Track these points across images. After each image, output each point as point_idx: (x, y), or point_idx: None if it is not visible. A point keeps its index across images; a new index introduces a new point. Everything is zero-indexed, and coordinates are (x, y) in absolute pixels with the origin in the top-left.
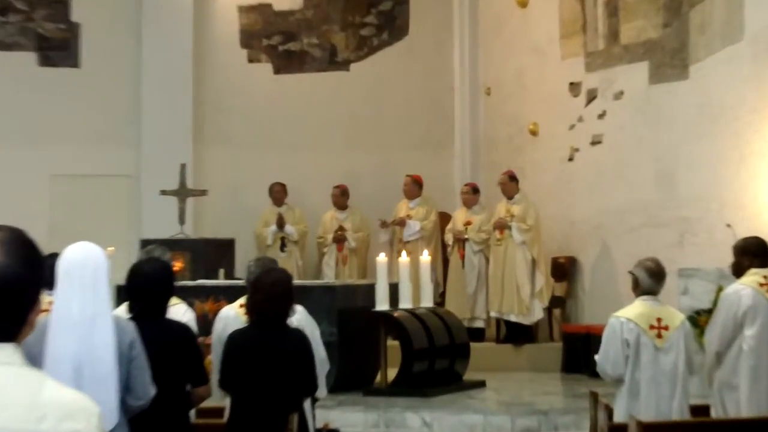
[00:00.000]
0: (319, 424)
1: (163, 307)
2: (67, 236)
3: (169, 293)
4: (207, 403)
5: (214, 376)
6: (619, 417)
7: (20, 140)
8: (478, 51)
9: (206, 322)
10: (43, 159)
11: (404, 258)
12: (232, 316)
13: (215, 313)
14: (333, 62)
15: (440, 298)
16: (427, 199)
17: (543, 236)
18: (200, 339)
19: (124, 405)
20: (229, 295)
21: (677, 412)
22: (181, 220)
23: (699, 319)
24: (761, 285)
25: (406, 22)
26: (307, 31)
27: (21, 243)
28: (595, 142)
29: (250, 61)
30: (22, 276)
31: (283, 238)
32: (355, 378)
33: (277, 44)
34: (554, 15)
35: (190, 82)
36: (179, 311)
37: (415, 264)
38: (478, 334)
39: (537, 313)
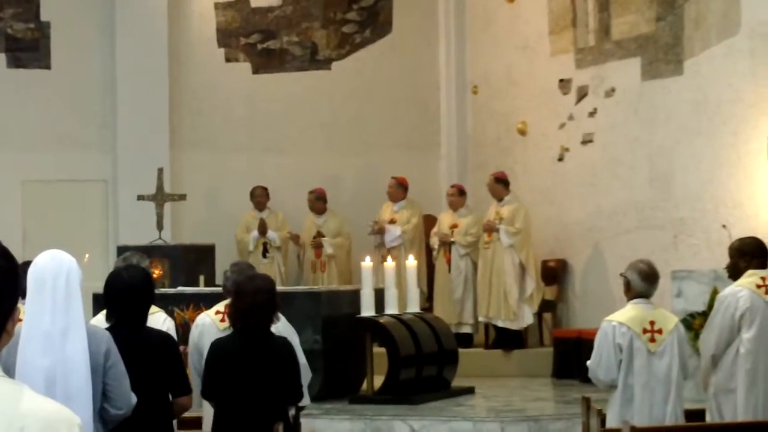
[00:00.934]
0: None
1: (143, 315)
2: (41, 244)
3: (149, 301)
4: (185, 413)
5: (193, 385)
6: (612, 423)
7: None
8: (465, 47)
9: (186, 331)
10: (14, 164)
11: (389, 263)
12: (208, 323)
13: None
14: (314, 61)
15: (427, 303)
16: (412, 202)
17: (534, 239)
18: (181, 348)
19: (104, 415)
20: (210, 302)
21: (671, 417)
22: (159, 225)
23: (693, 322)
24: (758, 287)
25: (390, 18)
26: (287, 29)
27: None
28: (587, 141)
29: (228, 60)
30: None
31: (265, 244)
32: (340, 386)
33: (256, 42)
34: (543, 10)
35: (166, 83)
36: (159, 320)
37: (400, 269)
38: (466, 340)
39: (527, 318)
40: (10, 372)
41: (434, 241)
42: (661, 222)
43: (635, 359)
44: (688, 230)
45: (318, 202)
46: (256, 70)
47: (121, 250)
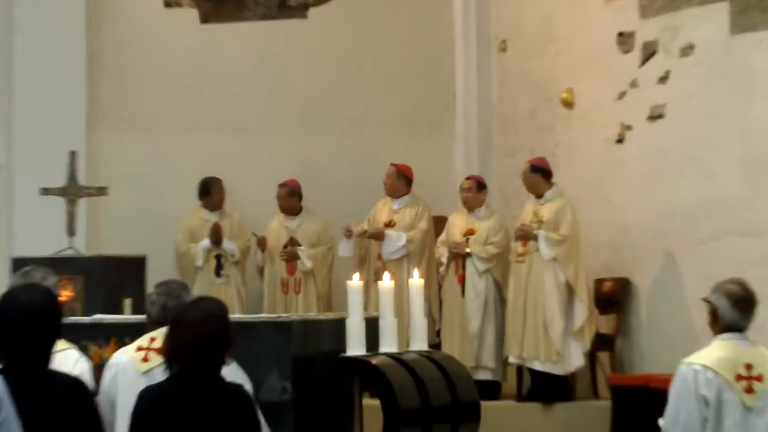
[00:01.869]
0: None
1: (46, 353)
2: None
3: (55, 334)
4: None
5: None
6: None
7: None
8: None
9: None
10: None
11: (386, 281)
12: (124, 363)
13: None
14: (284, 7)
15: (437, 337)
16: (417, 198)
17: (585, 250)
18: (97, 398)
19: None
20: (139, 335)
21: None
22: (71, 230)
23: None
24: None
25: None
26: None
27: None
28: (655, 116)
29: (168, 5)
30: None
31: (219, 258)
32: None
33: None
34: None
35: (82, 38)
36: (68, 360)
37: (402, 290)
38: (491, 389)
39: (574, 360)
40: None
41: (441, 253)
42: (757, 225)
43: (726, 416)
44: None
45: (291, 198)
46: (205, 19)
47: (18, 262)
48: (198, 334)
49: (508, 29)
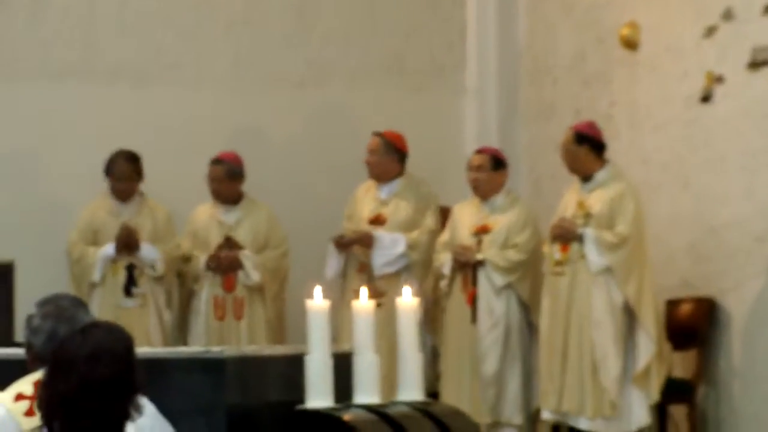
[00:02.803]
0: None
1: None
2: None
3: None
4: None
5: None
6: None
7: None
8: None
9: None
10: None
11: (363, 300)
12: (0, 418)
13: None
14: None
15: (437, 382)
16: (416, 181)
17: (652, 258)
18: None
19: None
20: (3, 377)
21: None
22: None
23: None
24: None
25: None
26: None
27: None
28: (759, 62)
29: None
30: None
31: (131, 269)
32: None
33: None
34: None
35: None
36: None
37: (394, 318)
38: None
39: (637, 416)
40: None
41: (442, 261)
42: None
43: None
44: None
45: (230, 181)
46: None
47: None
48: (84, 379)
49: None
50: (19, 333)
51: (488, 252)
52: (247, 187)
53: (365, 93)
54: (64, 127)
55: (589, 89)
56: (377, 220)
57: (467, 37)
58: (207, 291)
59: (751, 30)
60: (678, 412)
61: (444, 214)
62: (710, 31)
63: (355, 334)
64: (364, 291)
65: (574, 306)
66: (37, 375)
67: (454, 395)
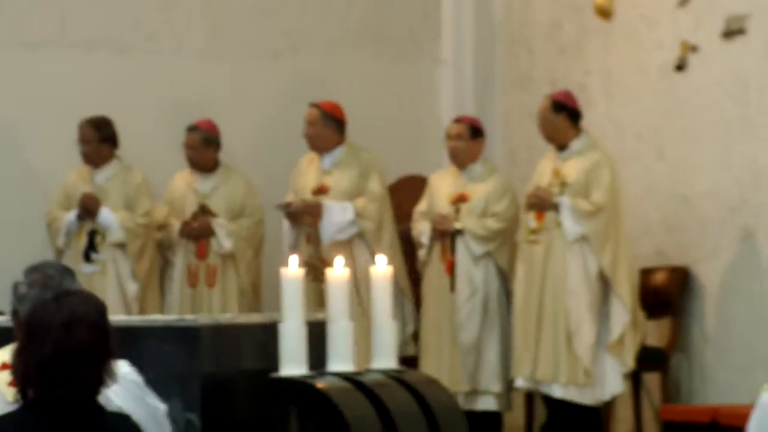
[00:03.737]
0: None
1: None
2: None
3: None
4: None
5: None
6: None
7: None
8: None
9: None
10: None
11: (339, 268)
12: None
13: None
14: None
15: (414, 346)
16: (357, 150)
17: (627, 227)
18: None
19: None
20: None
21: None
22: None
23: None
24: None
25: None
26: None
27: None
28: (733, 31)
29: None
30: None
31: (93, 234)
32: None
33: None
34: None
35: None
36: None
37: (357, 281)
38: (489, 424)
39: (611, 384)
40: None
41: (421, 230)
42: None
43: None
44: None
45: (205, 148)
46: None
47: None
48: (59, 345)
49: None
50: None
51: (467, 221)
52: (223, 155)
53: (341, 62)
54: (43, 96)
55: (565, 59)
56: (320, 191)
57: (443, 6)
58: (181, 259)
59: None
60: (652, 380)
61: (413, 183)
62: (684, 1)
63: (329, 302)
64: (339, 259)
65: (549, 274)
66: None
67: (433, 363)
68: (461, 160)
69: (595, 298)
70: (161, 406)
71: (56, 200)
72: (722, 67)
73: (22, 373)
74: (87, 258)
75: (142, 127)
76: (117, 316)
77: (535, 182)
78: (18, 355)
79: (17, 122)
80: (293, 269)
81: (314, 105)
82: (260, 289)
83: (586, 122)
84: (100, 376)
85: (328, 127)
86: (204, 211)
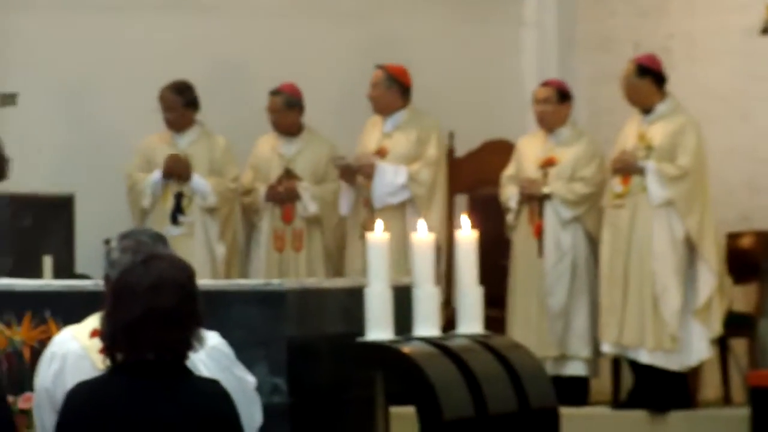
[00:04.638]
0: None
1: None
2: None
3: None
4: None
5: None
6: None
7: None
8: None
9: (21, 366)
10: None
11: (421, 231)
12: (74, 353)
13: (40, 345)
14: None
15: (500, 310)
16: (419, 113)
17: (713, 191)
18: (10, 398)
19: None
20: (67, 309)
21: None
22: None
23: None
24: None
25: None
26: None
27: None
28: None
29: None
30: None
31: (179, 197)
32: None
33: None
34: None
35: None
36: None
37: (396, 251)
38: (576, 390)
39: (697, 350)
40: None
41: (509, 195)
42: None
43: None
44: None
45: (289, 111)
46: None
47: None
48: (147, 308)
49: None
50: (80, 265)
51: (555, 185)
52: (311, 117)
53: (423, 25)
54: (122, 59)
55: (647, 21)
56: (380, 153)
57: None
58: (267, 223)
59: None
60: (738, 345)
61: (497, 147)
62: None
63: (414, 266)
64: (422, 223)
65: (635, 239)
66: None
67: (521, 328)
68: (549, 124)
69: (682, 262)
70: (251, 379)
71: (135, 163)
72: None
73: (110, 336)
74: (174, 220)
75: (218, 89)
76: (204, 280)
77: (620, 146)
78: (106, 318)
79: (97, 86)
80: (379, 234)
81: (380, 66)
82: (345, 253)
83: (671, 85)
84: (188, 339)
85: (392, 89)
86: (289, 174)
